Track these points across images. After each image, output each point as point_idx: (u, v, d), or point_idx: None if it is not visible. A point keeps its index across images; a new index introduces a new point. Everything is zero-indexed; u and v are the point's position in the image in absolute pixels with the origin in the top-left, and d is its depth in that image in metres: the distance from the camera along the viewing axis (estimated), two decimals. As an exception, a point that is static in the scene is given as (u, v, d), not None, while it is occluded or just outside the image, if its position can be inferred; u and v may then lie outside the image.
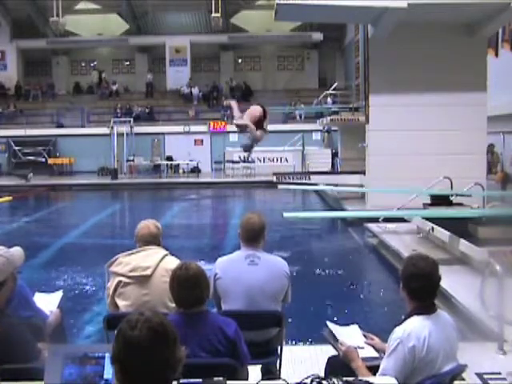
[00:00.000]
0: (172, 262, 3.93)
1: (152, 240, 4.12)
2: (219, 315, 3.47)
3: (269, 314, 4.00)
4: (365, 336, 3.55)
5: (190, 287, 3.14)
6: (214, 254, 9.60)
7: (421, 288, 3.07)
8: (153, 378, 1.93)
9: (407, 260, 3.31)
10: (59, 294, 4.36)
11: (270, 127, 30.52)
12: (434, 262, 3.16)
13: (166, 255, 4.07)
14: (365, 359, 3.29)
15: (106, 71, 35.47)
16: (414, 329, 3.00)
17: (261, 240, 4.16)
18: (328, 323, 3.57)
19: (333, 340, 3.45)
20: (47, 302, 4.20)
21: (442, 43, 13.79)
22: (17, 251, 3.30)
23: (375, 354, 3.36)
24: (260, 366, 4.03)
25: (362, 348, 3.38)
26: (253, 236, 4.11)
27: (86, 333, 6.44)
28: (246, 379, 3.29)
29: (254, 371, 3.81)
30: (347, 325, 3.66)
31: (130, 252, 4.10)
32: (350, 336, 3.49)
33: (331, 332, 3.50)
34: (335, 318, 6.80)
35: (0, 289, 3.05)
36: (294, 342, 5.69)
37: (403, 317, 3.15)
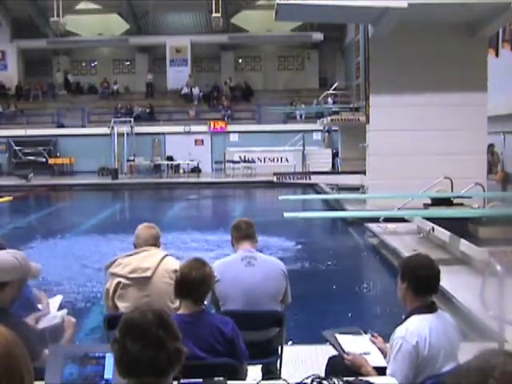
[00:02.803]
0: (172, 263, 3.94)
1: (152, 242, 4.11)
2: (217, 314, 3.47)
3: (269, 314, 4.00)
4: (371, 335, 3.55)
5: (196, 283, 3.14)
6: (214, 254, 9.65)
7: (427, 277, 3.09)
8: (151, 366, 1.90)
9: (407, 258, 3.40)
10: (59, 298, 4.31)
11: (271, 127, 30.48)
12: (431, 258, 3.24)
13: (166, 255, 4.07)
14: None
15: (106, 71, 35.53)
16: (416, 327, 3.01)
17: (254, 236, 4.22)
18: (336, 335, 3.53)
19: (339, 349, 3.43)
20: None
21: (442, 43, 13.78)
22: (35, 265, 3.33)
23: (382, 359, 3.34)
24: (260, 365, 4.03)
25: (369, 353, 3.36)
26: (246, 234, 4.17)
27: (85, 333, 6.44)
28: (245, 378, 3.30)
29: (255, 371, 3.81)
30: (359, 333, 3.62)
31: (129, 253, 4.09)
32: (355, 342, 3.47)
33: (338, 342, 3.47)
34: (335, 318, 6.81)
35: (2, 289, 3.05)
36: (293, 342, 5.68)
37: (403, 316, 3.16)
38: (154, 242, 4.13)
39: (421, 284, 3.09)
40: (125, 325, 1.96)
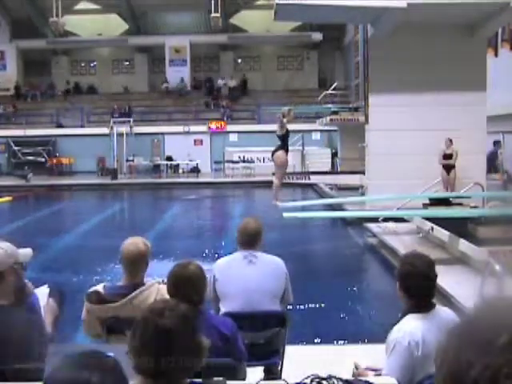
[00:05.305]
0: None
1: (139, 261, 3.62)
2: (215, 315, 3.43)
3: (271, 315, 4.00)
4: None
5: (186, 286, 3.11)
6: (214, 255, 9.64)
7: (417, 287, 3.08)
8: (182, 366, 1.92)
9: (403, 259, 3.34)
10: (45, 290, 4.09)
11: (270, 127, 30.49)
12: (430, 260, 3.19)
13: (158, 290, 3.56)
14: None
15: (105, 71, 35.52)
16: (409, 328, 3.01)
17: (257, 244, 4.21)
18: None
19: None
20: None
21: (442, 43, 13.79)
22: (25, 250, 3.32)
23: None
24: (263, 367, 4.02)
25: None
26: (249, 240, 4.17)
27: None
28: (244, 378, 3.28)
29: (257, 372, 3.81)
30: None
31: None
32: None
33: None
34: (333, 318, 6.82)
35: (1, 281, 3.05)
36: (293, 342, 5.68)
37: (399, 315, 3.16)
38: (142, 261, 3.62)
39: (411, 292, 3.09)
40: (155, 332, 1.90)
